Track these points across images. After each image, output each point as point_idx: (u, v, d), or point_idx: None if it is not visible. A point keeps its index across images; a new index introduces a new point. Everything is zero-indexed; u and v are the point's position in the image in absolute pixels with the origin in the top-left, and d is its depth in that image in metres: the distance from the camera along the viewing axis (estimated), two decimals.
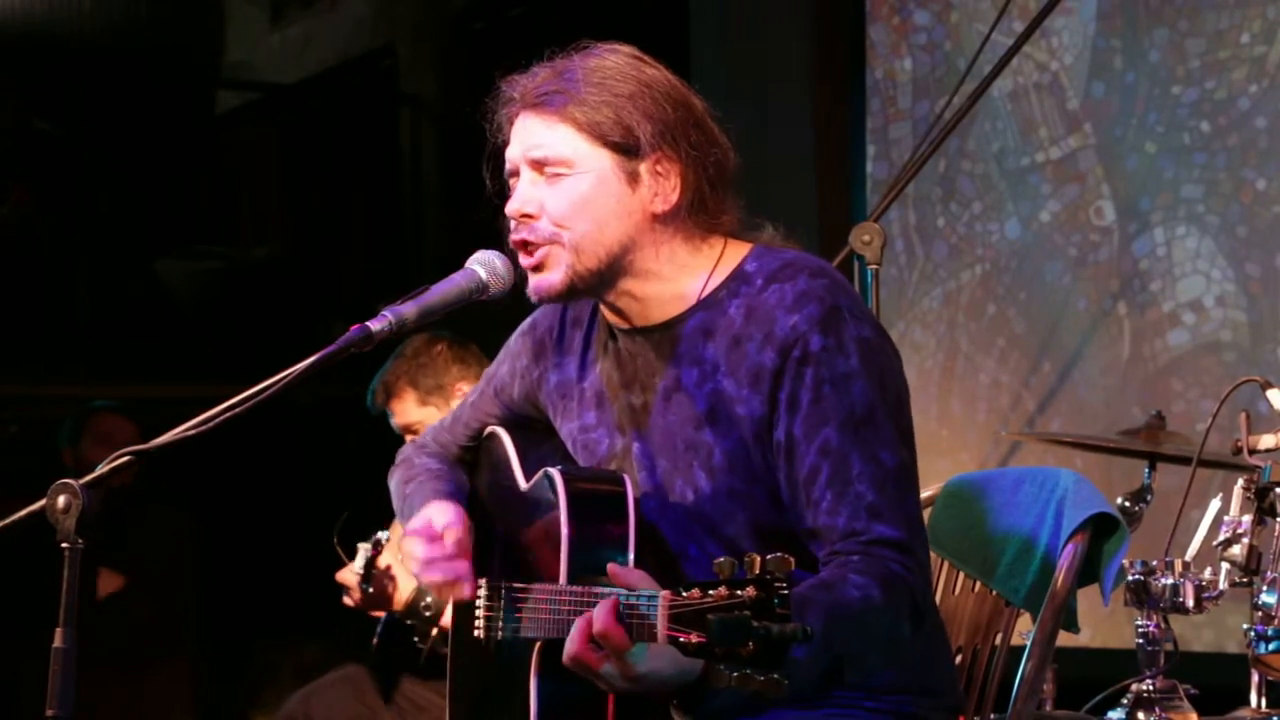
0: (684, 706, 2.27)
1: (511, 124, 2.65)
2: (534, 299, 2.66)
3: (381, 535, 4.45)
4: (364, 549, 4.42)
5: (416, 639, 4.47)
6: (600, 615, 2.23)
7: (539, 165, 2.60)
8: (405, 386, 4.54)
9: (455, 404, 4.49)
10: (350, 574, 4.46)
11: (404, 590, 4.43)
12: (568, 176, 2.58)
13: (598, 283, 2.62)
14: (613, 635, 2.22)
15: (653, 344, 2.66)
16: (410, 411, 4.55)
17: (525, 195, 2.61)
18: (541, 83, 2.61)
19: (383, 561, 4.44)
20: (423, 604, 4.38)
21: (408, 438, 4.53)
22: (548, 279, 2.61)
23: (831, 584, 2.41)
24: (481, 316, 2.87)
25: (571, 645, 2.27)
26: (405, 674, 4.59)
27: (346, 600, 4.51)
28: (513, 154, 2.64)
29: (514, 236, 2.62)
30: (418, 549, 2.71)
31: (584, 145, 2.58)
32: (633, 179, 2.59)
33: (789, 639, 2.04)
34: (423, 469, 2.95)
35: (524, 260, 2.62)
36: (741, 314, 2.59)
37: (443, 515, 2.75)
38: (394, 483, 3.01)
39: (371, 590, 4.42)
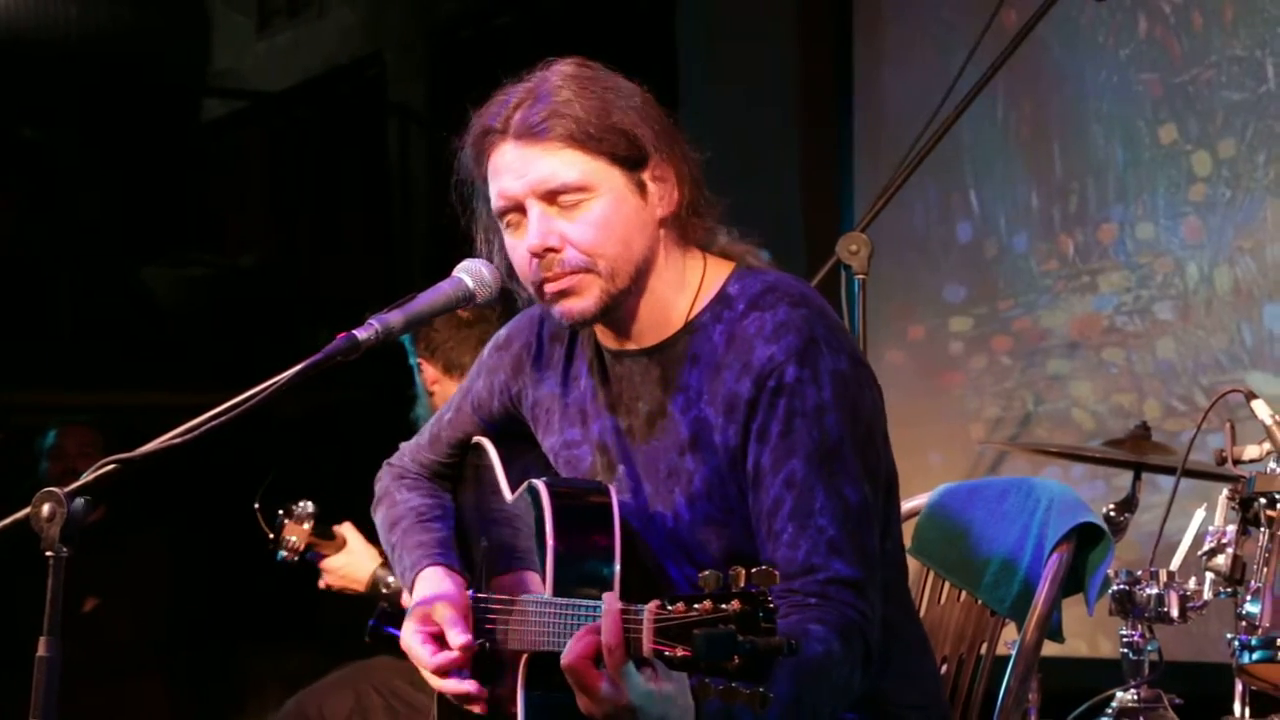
0: None
1: (490, 155, 2.58)
2: (565, 323, 2.61)
3: (298, 511, 4.50)
4: (287, 524, 4.49)
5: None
6: (609, 629, 2.19)
7: (551, 196, 2.54)
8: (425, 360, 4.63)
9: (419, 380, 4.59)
10: (331, 561, 4.55)
11: (363, 570, 4.50)
12: (586, 201, 2.53)
13: (624, 300, 2.58)
14: (616, 651, 2.19)
15: (641, 368, 2.65)
16: (426, 370, 4.64)
17: (543, 229, 2.54)
18: (525, 110, 2.54)
19: (351, 539, 4.51)
20: (383, 583, 4.45)
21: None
22: (580, 304, 2.56)
23: (794, 638, 2.36)
24: None
25: (571, 656, 2.24)
26: (398, 666, 4.60)
27: (321, 582, 4.59)
28: (512, 189, 2.56)
29: (543, 274, 2.55)
30: (423, 655, 2.69)
31: (592, 165, 2.52)
32: (641, 189, 2.56)
33: (775, 652, 2.03)
34: (405, 509, 2.91)
35: (549, 287, 2.56)
36: (723, 340, 2.57)
37: (443, 607, 2.70)
38: (378, 519, 2.98)
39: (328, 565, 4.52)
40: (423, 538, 2.85)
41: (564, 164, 2.53)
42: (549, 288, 2.56)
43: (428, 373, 4.63)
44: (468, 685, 2.68)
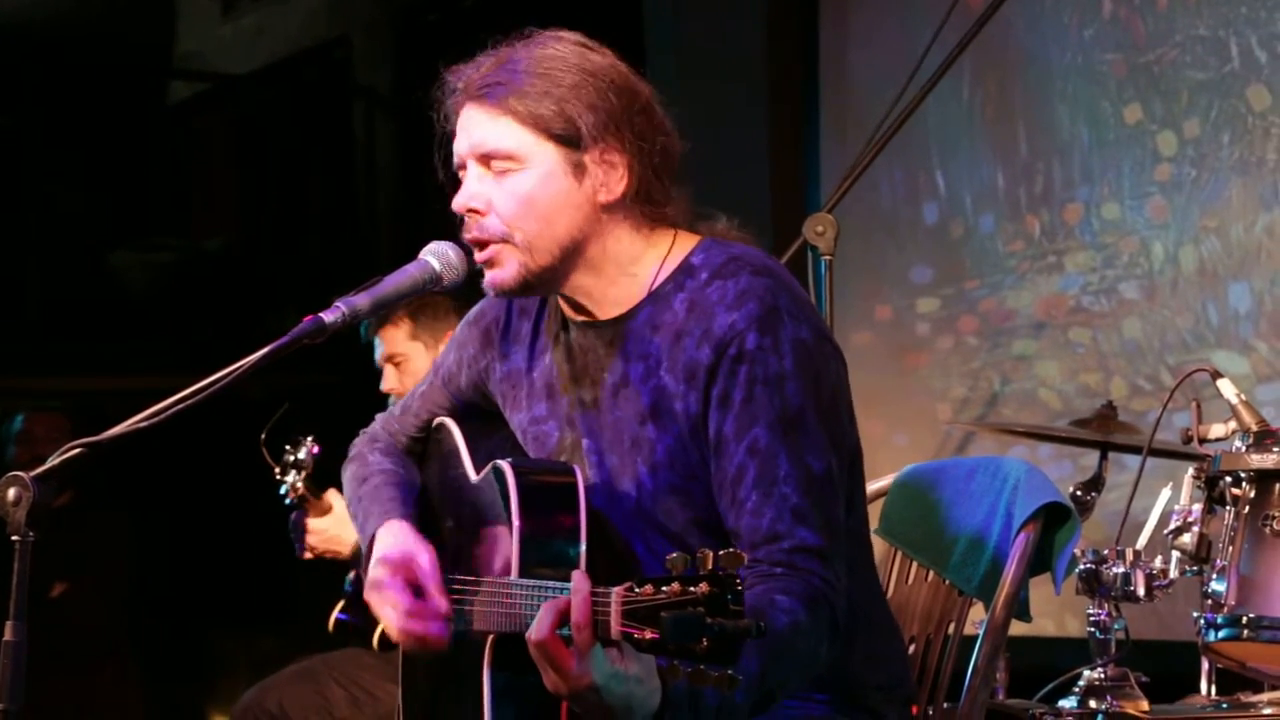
0: None
1: (457, 114, 2.62)
2: (489, 293, 2.65)
3: (302, 452, 4.54)
4: (291, 471, 4.53)
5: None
6: (578, 608, 2.19)
7: (485, 159, 2.58)
8: (404, 315, 4.60)
9: (441, 349, 4.58)
10: (317, 523, 4.58)
11: (348, 535, 4.52)
12: (514, 173, 2.56)
13: (551, 278, 2.61)
14: (585, 630, 2.18)
15: (604, 339, 2.65)
16: (399, 341, 4.62)
17: (472, 190, 2.59)
18: (485, 74, 2.58)
19: (336, 504, 4.54)
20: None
21: (386, 369, 4.60)
22: (500, 275, 2.59)
23: (761, 612, 2.33)
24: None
25: (540, 632, 2.23)
26: (360, 658, 4.60)
27: (308, 546, 4.60)
28: (459, 147, 2.61)
29: (465, 234, 2.61)
30: (401, 600, 2.64)
31: (528, 138, 2.55)
32: (579, 171, 2.57)
33: (743, 635, 2.03)
34: (375, 468, 2.91)
35: (477, 255, 2.61)
36: (684, 308, 2.58)
37: (430, 566, 2.66)
38: (347, 478, 2.98)
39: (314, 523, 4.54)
40: (394, 494, 2.83)
41: (500, 130, 2.56)
42: (476, 255, 2.61)
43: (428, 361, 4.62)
44: (435, 627, 2.63)
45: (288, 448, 4.60)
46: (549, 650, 2.22)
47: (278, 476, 4.60)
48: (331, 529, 4.60)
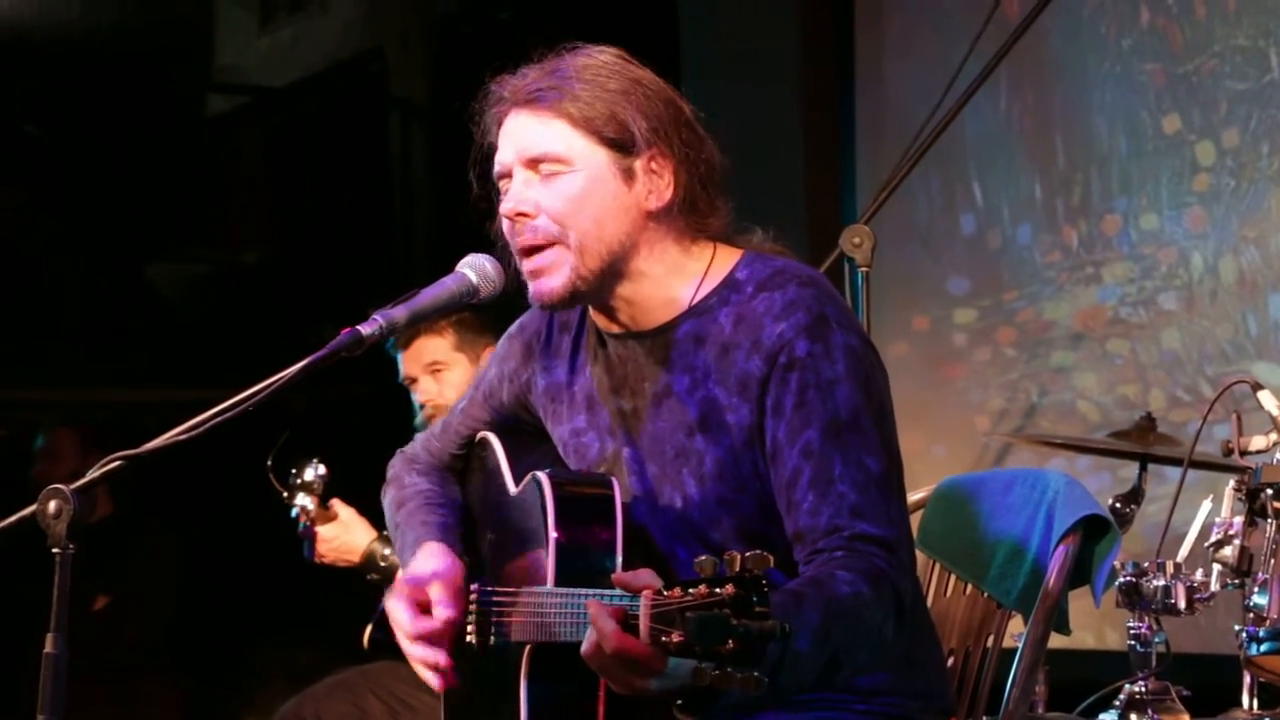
0: (690, 708, 2.23)
1: (500, 125, 2.63)
2: (536, 304, 2.64)
3: (308, 474, 4.55)
4: (299, 493, 4.54)
5: None
6: (610, 635, 2.15)
7: (534, 163, 2.58)
8: (447, 325, 4.58)
9: (478, 368, 4.56)
10: (326, 530, 4.60)
11: (358, 542, 4.53)
12: (564, 174, 2.57)
13: (598, 286, 2.60)
14: (632, 649, 2.15)
15: (644, 350, 2.65)
16: (442, 350, 4.59)
17: (520, 195, 2.59)
18: (533, 81, 2.59)
19: (341, 512, 4.56)
20: (379, 556, 4.49)
21: (423, 379, 4.59)
22: (549, 283, 2.59)
23: (821, 580, 2.38)
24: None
25: (613, 640, 2.14)
26: (397, 669, 4.61)
27: (318, 554, 4.61)
28: (504, 156, 2.62)
29: (515, 240, 2.60)
30: (404, 620, 2.69)
31: (579, 141, 2.57)
32: (628, 176, 2.58)
33: (767, 637, 2.03)
34: (413, 491, 2.92)
35: (526, 265, 2.60)
36: (731, 321, 2.59)
37: (437, 585, 2.69)
38: (386, 502, 2.99)
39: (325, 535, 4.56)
40: (428, 518, 2.86)
41: (551, 134, 2.57)
42: (525, 265, 2.60)
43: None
44: (437, 655, 2.67)
45: (294, 471, 4.61)
46: (630, 652, 2.15)
47: (286, 500, 4.61)
48: (340, 536, 4.62)
